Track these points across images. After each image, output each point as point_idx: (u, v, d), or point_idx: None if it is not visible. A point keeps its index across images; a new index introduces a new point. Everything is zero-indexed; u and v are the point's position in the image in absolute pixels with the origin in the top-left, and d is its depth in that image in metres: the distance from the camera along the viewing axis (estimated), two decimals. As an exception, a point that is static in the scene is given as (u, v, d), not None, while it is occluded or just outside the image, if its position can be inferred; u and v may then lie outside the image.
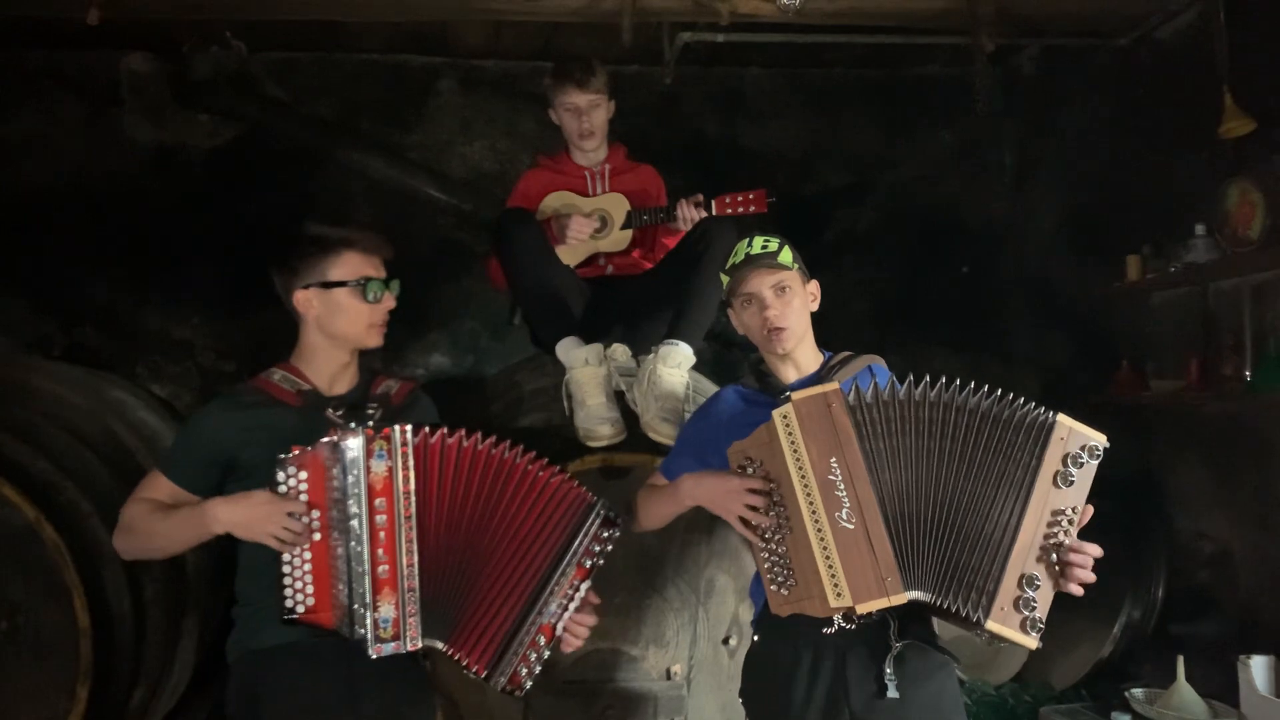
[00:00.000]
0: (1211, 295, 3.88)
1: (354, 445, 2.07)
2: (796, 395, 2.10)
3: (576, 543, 2.18)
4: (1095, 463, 2.08)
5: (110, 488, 3.05)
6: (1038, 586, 2.04)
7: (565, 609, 2.17)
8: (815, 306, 2.42)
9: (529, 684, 2.15)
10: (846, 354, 2.39)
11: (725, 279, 2.39)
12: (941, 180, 5.32)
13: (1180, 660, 3.50)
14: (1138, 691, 3.58)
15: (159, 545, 2.23)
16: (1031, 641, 2.04)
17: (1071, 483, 2.06)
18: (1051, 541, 2.06)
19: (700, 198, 3.28)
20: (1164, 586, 4.06)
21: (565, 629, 2.19)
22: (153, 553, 2.30)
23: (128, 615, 2.98)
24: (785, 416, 2.09)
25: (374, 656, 2.06)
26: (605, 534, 2.21)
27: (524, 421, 3.33)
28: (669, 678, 3.02)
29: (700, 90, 5.23)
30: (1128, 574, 4.09)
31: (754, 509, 2.14)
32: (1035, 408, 2.09)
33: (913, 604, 2.07)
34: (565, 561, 2.17)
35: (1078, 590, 2.09)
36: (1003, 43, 4.29)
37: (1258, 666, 3.33)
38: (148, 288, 4.85)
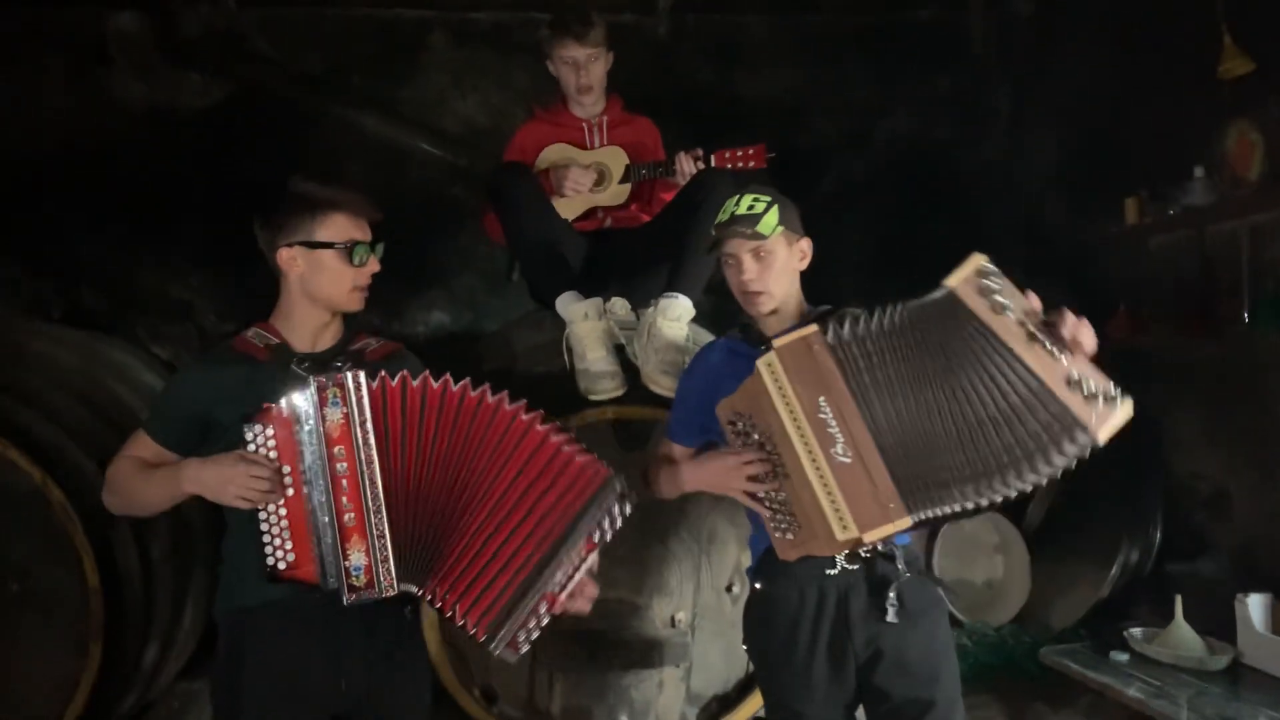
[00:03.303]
0: (1209, 238, 3.87)
1: (306, 395, 2.04)
2: (778, 342, 2.14)
3: (589, 516, 2.12)
4: (998, 275, 2.09)
5: (114, 449, 3.04)
6: (1083, 381, 2.01)
7: (570, 578, 2.11)
8: (804, 265, 2.40)
9: (525, 648, 2.12)
10: (826, 307, 2.39)
11: (714, 233, 2.39)
12: (937, 125, 5.29)
13: (1178, 599, 3.54)
14: (1136, 631, 3.63)
15: (140, 504, 2.24)
16: (1128, 406, 2.02)
17: (1000, 304, 2.06)
18: (1046, 337, 2.05)
19: (699, 152, 3.26)
20: (1161, 527, 4.10)
21: (569, 596, 2.15)
22: (136, 510, 2.30)
23: (136, 574, 3.01)
24: (770, 364, 2.12)
25: (346, 604, 2.04)
26: (618, 509, 2.15)
27: (523, 377, 3.34)
28: (673, 625, 3.06)
29: (695, 39, 5.18)
30: (1125, 516, 4.13)
31: (755, 478, 2.18)
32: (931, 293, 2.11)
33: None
34: (576, 533, 2.11)
35: (1093, 342, 2.07)
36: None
37: (1255, 605, 3.37)
38: (144, 249, 4.83)
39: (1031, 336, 2.05)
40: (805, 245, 2.40)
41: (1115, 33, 4.43)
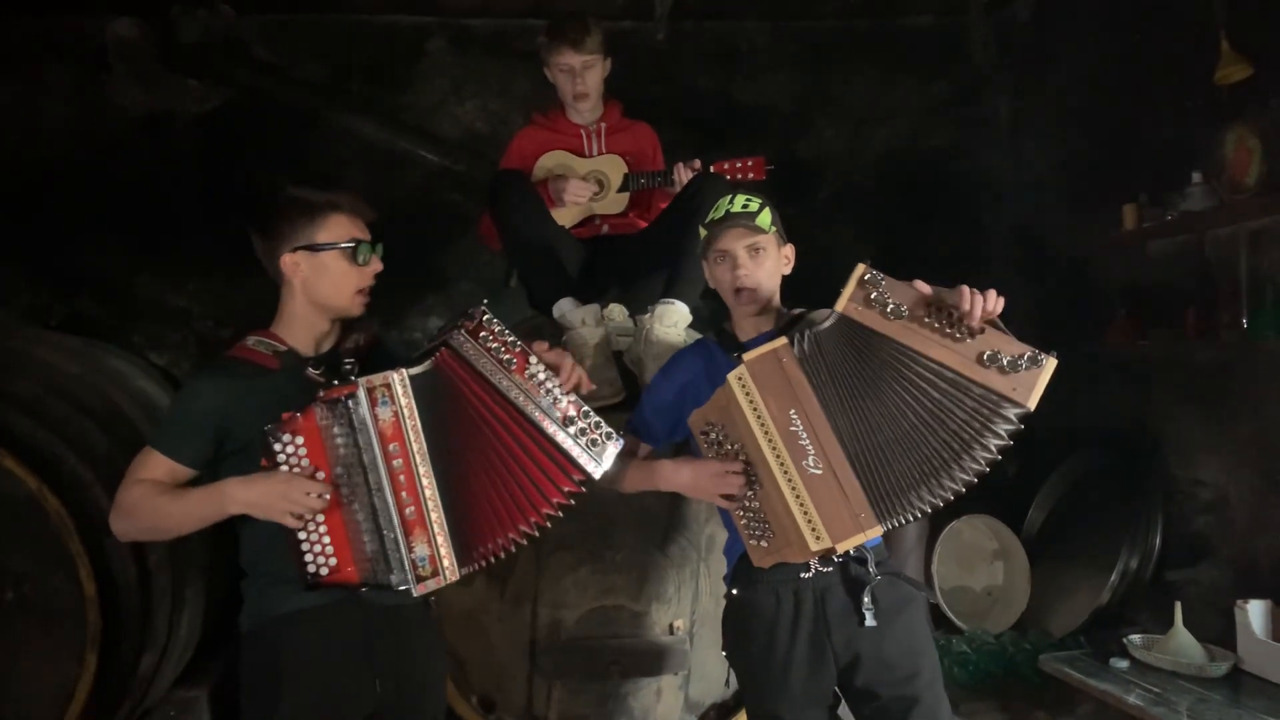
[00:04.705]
0: (1208, 243, 3.87)
1: (359, 399, 2.07)
2: (748, 355, 2.16)
3: (492, 374, 2.12)
4: (882, 279, 2.15)
5: (111, 457, 3.05)
6: (997, 355, 2.07)
7: (554, 391, 2.12)
8: (788, 270, 2.45)
9: (605, 437, 2.13)
10: (800, 310, 2.42)
11: (703, 232, 2.41)
12: (936, 132, 5.29)
13: (1178, 606, 3.53)
14: (1136, 638, 3.62)
15: (167, 527, 2.19)
16: (1051, 361, 2.06)
17: (891, 310, 2.12)
18: (947, 324, 2.11)
19: (698, 163, 3.27)
20: (1161, 534, 4.09)
21: (574, 389, 2.16)
22: (158, 534, 2.26)
23: (133, 582, 2.99)
24: (740, 377, 2.15)
25: (416, 595, 2.11)
26: (490, 332, 2.15)
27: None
28: (672, 633, 3.05)
29: (693, 45, 5.18)
30: (1125, 522, 4.12)
31: (733, 485, 2.21)
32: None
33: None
34: (512, 393, 2.11)
35: (995, 308, 2.11)
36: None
37: (1254, 611, 3.37)
38: (143, 255, 4.84)
39: (930, 329, 2.11)
40: (789, 251, 2.46)
41: (1113, 39, 4.43)
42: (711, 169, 3.26)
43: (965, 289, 2.10)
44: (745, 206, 2.35)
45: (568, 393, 2.13)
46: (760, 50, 5.24)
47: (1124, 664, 3.54)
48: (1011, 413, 2.05)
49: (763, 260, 2.36)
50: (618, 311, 3.12)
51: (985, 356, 2.07)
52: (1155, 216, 3.97)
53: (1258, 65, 3.51)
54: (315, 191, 2.26)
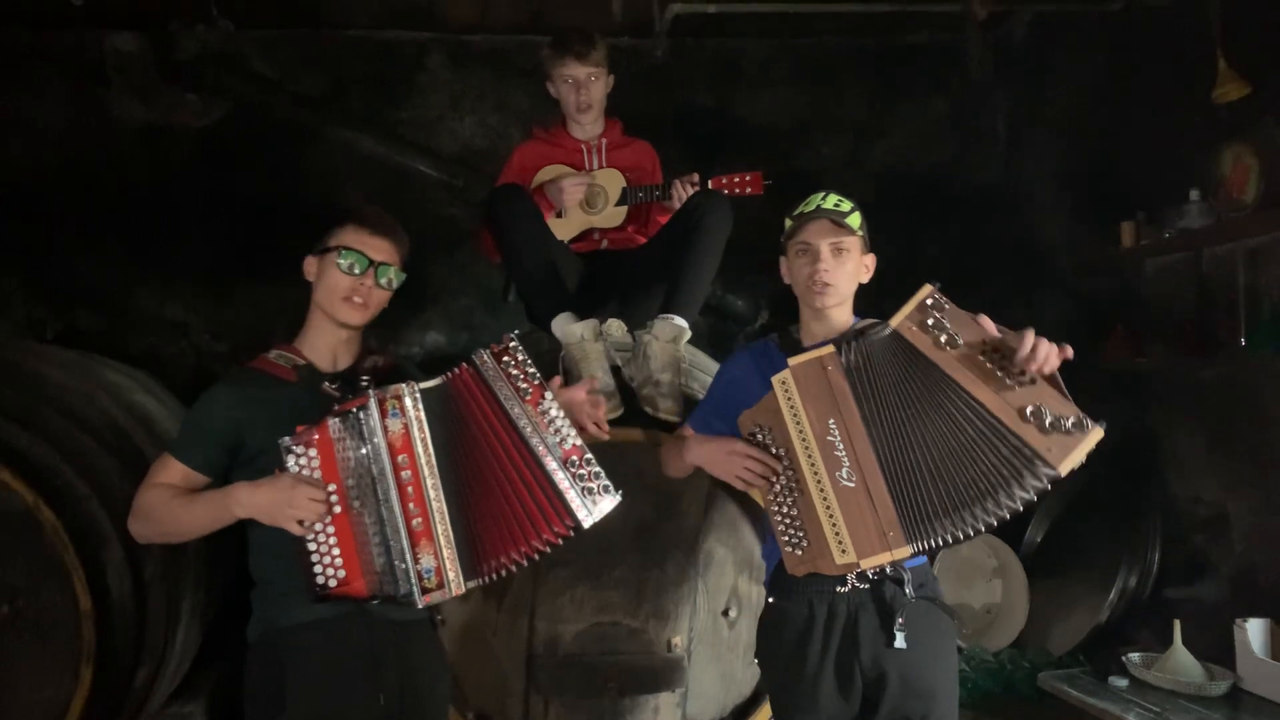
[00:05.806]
0: (1206, 260, 3.88)
1: (370, 411, 2.10)
2: (793, 360, 2.17)
3: (506, 399, 2.14)
4: (945, 305, 2.13)
5: (108, 470, 3.05)
6: (1041, 411, 2.02)
7: (562, 430, 2.13)
8: (866, 279, 2.41)
9: (603, 489, 2.12)
10: (873, 320, 2.37)
11: (789, 223, 2.39)
12: (934, 148, 5.30)
13: (1176, 624, 3.52)
14: (1135, 656, 3.61)
15: (179, 530, 2.23)
16: (1097, 432, 2.00)
17: (946, 339, 2.10)
18: (999, 367, 2.08)
19: (696, 177, 3.27)
20: (1160, 551, 4.09)
21: (581, 425, 2.18)
22: (171, 537, 2.30)
23: (129, 596, 2.98)
24: (784, 382, 2.16)
25: (421, 606, 2.12)
26: (514, 359, 2.16)
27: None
28: (670, 650, 3.03)
29: (692, 62, 5.19)
30: (1124, 540, 4.12)
31: (751, 470, 2.21)
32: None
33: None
34: (521, 422, 2.13)
35: (1054, 363, 2.07)
36: (995, 9, 4.26)
37: (1253, 629, 3.36)
38: (140, 268, 4.83)
39: (981, 368, 2.07)
40: (870, 261, 2.42)
41: (1111, 56, 4.45)
42: (710, 184, 3.26)
43: (1028, 335, 2.06)
44: (838, 205, 2.34)
45: (576, 436, 2.14)
46: (759, 66, 5.25)
47: (1123, 683, 3.52)
48: (1042, 472, 2.00)
49: (844, 261, 2.32)
50: (616, 327, 3.12)
51: (1029, 410, 2.02)
52: (1153, 234, 3.99)
53: (1255, 84, 3.53)
54: (358, 205, 2.35)
